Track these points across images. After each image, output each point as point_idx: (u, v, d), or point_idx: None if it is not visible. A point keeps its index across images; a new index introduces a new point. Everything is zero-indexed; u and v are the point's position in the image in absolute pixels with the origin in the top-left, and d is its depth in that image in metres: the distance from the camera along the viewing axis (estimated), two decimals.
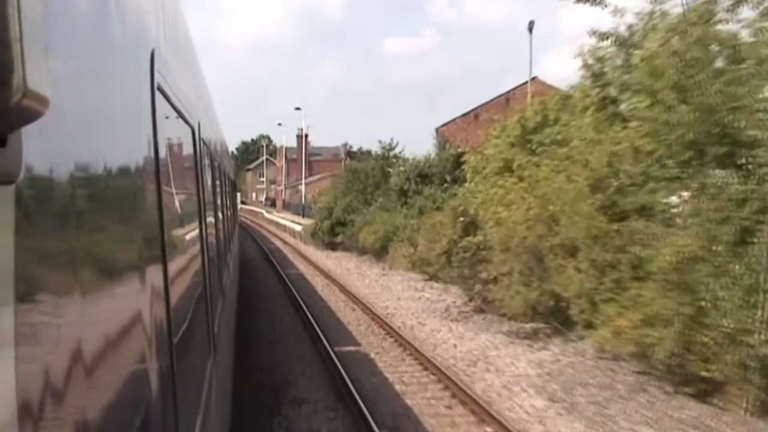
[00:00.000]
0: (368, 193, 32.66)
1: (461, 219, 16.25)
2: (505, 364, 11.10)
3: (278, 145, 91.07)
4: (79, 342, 0.89)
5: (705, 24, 10.25)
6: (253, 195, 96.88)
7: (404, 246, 23.27)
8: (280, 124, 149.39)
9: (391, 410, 8.91)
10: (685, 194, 10.56)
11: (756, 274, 8.46)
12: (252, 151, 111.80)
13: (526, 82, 29.13)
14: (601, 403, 8.99)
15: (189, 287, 2.56)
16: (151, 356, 1.42)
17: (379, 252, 26.62)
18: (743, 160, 9.30)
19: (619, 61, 13.89)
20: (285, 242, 39.16)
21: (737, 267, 8.56)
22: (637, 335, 9.28)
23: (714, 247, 8.65)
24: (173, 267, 1.94)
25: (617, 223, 10.92)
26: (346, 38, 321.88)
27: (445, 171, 27.29)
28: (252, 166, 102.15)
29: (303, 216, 50.03)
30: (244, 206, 63.85)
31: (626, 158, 11.49)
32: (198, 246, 3.04)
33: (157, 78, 1.78)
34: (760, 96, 9.17)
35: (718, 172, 9.80)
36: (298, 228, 41.54)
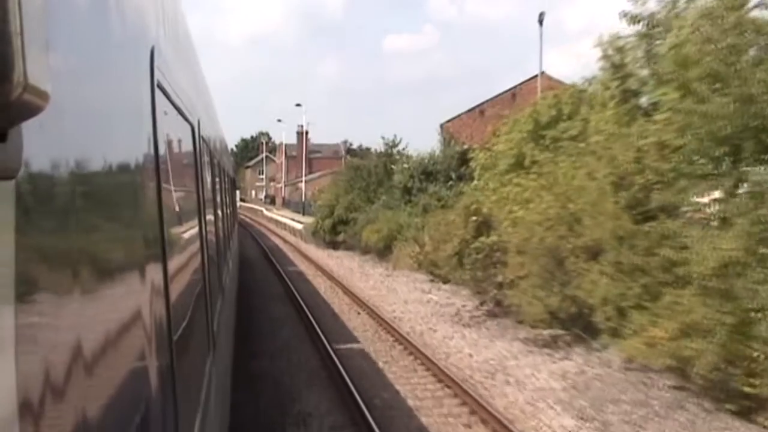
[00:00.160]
0: (371, 191, 31.77)
1: (474, 218, 15.35)
2: (526, 375, 10.29)
3: (278, 142, 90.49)
4: (78, 339, 0.88)
5: (739, 9, 9.62)
6: (253, 192, 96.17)
7: (409, 245, 22.44)
8: (279, 121, 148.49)
9: (406, 430, 8.15)
10: (716, 193, 9.87)
11: None
12: (251, 148, 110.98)
13: (533, 77, 28.42)
14: (637, 422, 8.18)
15: (188, 285, 2.57)
16: (150, 354, 1.43)
17: (383, 251, 25.85)
18: None
19: (640, 52, 13.18)
20: (285, 240, 38.35)
21: None
22: (674, 347, 8.47)
23: (763, 251, 7.87)
24: (173, 264, 1.92)
25: (644, 224, 10.16)
26: (346, 35, 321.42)
27: (450, 168, 26.59)
28: (251, 163, 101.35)
29: (303, 214, 49.50)
30: (243, 204, 63.17)
31: (651, 154, 10.75)
32: (197, 243, 3.06)
33: (157, 75, 1.78)
34: None
35: (759, 169, 9.11)
36: (299, 226, 40.69)
